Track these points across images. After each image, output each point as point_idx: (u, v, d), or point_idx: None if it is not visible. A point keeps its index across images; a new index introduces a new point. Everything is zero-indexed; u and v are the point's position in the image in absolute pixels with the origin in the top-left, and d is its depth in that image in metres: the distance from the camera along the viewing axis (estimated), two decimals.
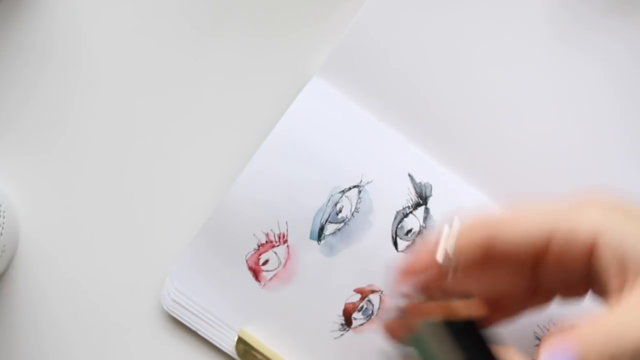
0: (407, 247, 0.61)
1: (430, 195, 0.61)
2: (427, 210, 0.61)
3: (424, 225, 0.61)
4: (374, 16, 0.61)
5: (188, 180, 0.63)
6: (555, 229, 0.50)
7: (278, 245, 0.61)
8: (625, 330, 0.47)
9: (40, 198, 0.64)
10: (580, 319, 0.48)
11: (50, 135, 0.64)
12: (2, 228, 0.60)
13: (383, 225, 0.61)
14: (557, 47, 0.61)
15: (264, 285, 0.62)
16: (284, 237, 0.61)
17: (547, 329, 0.59)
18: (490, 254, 0.51)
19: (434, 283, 0.52)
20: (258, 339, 0.62)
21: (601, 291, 0.51)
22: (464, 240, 0.52)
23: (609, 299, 0.50)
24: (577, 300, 0.53)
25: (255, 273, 0.62)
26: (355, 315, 0.61)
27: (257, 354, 0.62)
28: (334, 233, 0.61)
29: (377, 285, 0.61)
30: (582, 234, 0.50)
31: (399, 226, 0.61)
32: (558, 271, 0.51)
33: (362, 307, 0.61)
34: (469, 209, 0.54)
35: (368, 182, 0.61)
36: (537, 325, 0.60)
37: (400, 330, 0.51)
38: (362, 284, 0.61)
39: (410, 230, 0.61)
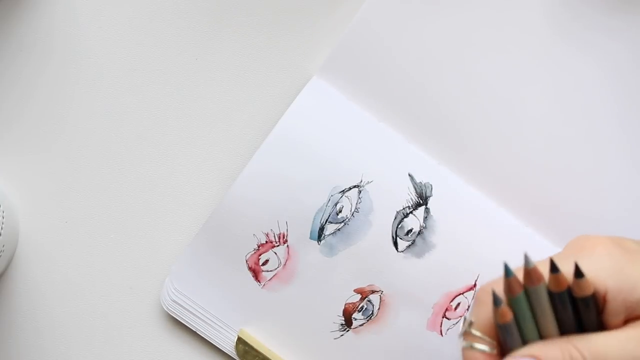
0: (407, 247, 0.61)
1: (431, 195, 0.61)
2: (427, 210, 0.61)
3: (424, 225, 0.61)
4: (374, 16, 0.61)
5: (188, 180, 0.63)
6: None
7: (278, 245, 0.61)
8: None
9: (40, 198, 0.64)
10: None
11: (50, 135, 0.64)
12: (2, 228, 0.60)
13: (383, 225, 0.61)
14: (557, 46, 0.61)
15: (264, 285, 0.62)
16: (284, 237, 0.61)
17: None
18: None
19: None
20: (258, 339, 0.62)
21: None
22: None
23: None
24: None
25: (255, 273, 0.62)
26: (355, 315, 0.61)
27: (256, 354, 0.62)
28: (334, 233, 0.61)
29: (377, 285, 0.61)
30: (593, 284, 0.51)
31: (399, 226, 0.61)
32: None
33: (362, 307, 0.61)
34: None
35: (368, 182, 0.61)
36: None
37: (513, 288, 0.51)
38: (362, 284, 0.61)
39: (410, 230, 0.61)
